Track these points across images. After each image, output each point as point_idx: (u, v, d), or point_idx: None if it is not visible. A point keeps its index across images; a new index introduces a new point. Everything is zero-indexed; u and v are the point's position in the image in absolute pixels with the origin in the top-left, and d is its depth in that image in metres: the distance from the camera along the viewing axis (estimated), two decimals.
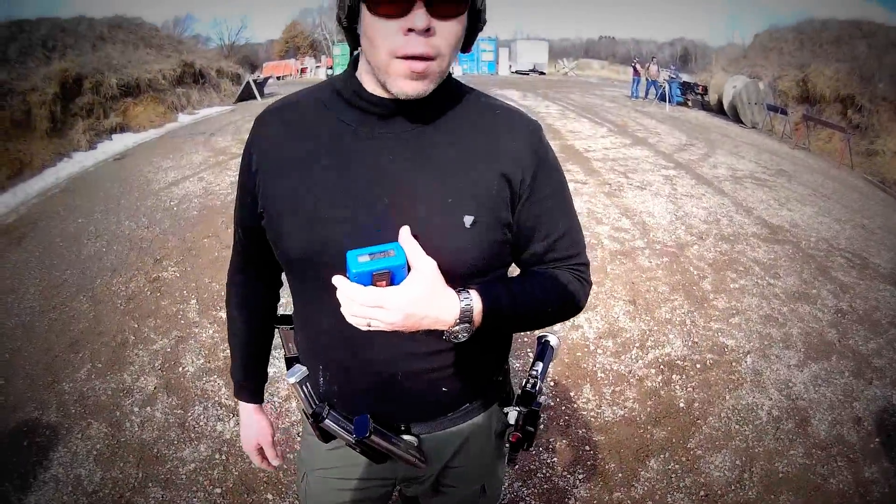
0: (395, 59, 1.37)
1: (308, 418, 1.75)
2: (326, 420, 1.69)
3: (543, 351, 1.98)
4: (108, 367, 5.48)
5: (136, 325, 6.18)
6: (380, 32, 1.37)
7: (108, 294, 6.93)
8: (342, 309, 1.37)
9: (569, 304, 1.69)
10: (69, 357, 5.70)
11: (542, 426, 4.64)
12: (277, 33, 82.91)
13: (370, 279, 1.33)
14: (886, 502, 4.17)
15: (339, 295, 1.36)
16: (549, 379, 5.25)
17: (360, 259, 1.33)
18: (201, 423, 4.73)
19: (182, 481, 4.18)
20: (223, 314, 5.84)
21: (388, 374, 1.62)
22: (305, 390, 1.73)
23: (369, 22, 1.39)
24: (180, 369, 5.44)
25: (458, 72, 48.19)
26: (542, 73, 53.67)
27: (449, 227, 1.49)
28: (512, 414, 1.83)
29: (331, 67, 50.39)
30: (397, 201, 1.50)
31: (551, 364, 1.97)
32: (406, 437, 1.73)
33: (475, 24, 1.52)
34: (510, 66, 53.79)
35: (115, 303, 6.70)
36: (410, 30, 1.33)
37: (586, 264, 1.76)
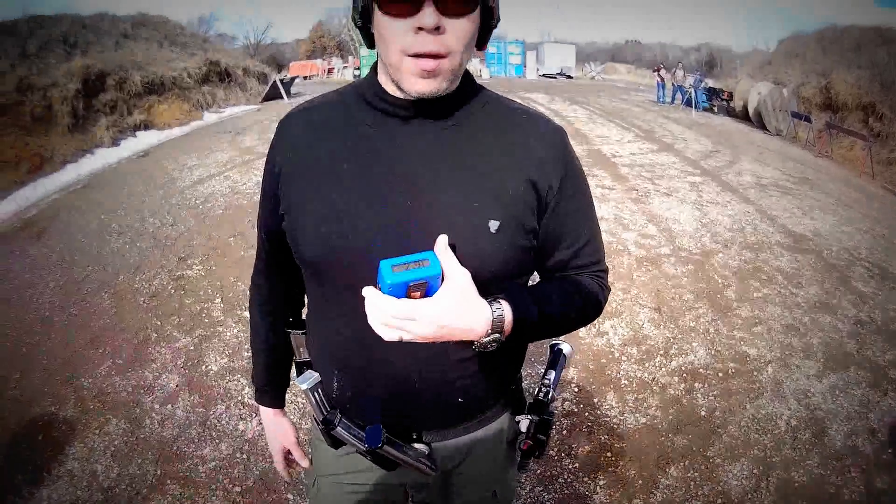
0: (407, 58, 1.39)
1: (318, 424, 1.76)
2: (338, 427, 1.69)
3: (556, 359, 1.97)
4: (129, 364, 5.51)
5: (158, 323, 6.19)
6: (391, 31, 1.40)
7: (130, 291, 6.95)
8: (370, 319, 1.34)
9: (592, 310, 1.69)
10: (89, 353, 5.73)
11: (554, 434, 4.63)
12: (304, 33, 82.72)
13: (405, 290, 1.31)
14: None
15: (368, 306, 1.34)
16: (573, 385, 5.26)
17: (395, 269, 1.29)
18: (223, 422, 4.74)
19: (202, 479, 4.20)
20: (248, 314, 5.91)
21: (404, 382, 1.61)
22: (317, 396, 1.74)
23: (381, 21, 1.41)
24: (203, 368, 5.45)
25: (485, 75, 48.10)
26: (569, 77, 53.28)
27: (474, 231, 1.48)
28: (523, 422, 1.82)
29: (358, 68, 49.72)
30: (420, 204, 1.50)
31: (564, 371, 1.96)
32: (417, 445, 1.71)
33: (488, 22, 1.52)
34: (537, 70, 53.39)
35: (138, 300, 6.71)
36: (420, 28, 1.34)
37: (606, 270, 1.77)
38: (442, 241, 1.39)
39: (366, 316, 1.38)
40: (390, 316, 1.31)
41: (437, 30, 1.36)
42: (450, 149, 1.54)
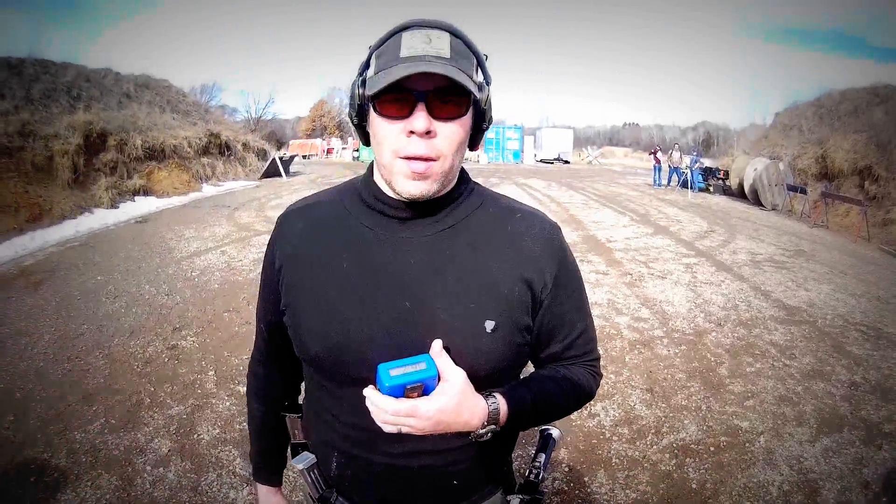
0: (398, 159, 1.45)
1: (315, 502, 1.78)
2: None
3: (546, 443, 1.98)
4: (121, 425, 5.49)
5: (152, 389, 6.19)
6: (384, 133, 1.46)
7: (124, 355, 6.96)
8: (373, 415, 1.40)
9: (583, 397, 1.74)
10: (82, 409, 5.74)
11: None
12: (305, 110, 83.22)
13: (402, 392, 1.36)
14: None
15: (369, 405, 1.39)
16: (563, 465, 5.24)
17: (392, 372, 1.35)
18: (214, 489, 4.71)
19: None
20: (241, 388, 5.87)
21: (403, 468, 1.63)
22: (313, 476, 1.78)
23: (375, 122, 1.49)
24: (195, 436, 5.42)
25: (483, 160, 48.37)
26: (566, 162, 53.92)
27: (471, 332, 1.52)
28: (514, 501, 1.84)
29: (357, 150, 50.63)
30: (418, 307, 1.53)
31: (554, 453, 1.98)
32: None
33: (480, 124, 1.58)
34: (535, 155, 54.02)
35: (132, 364, 6.73)
36: (412, 132, 1.40)
37: (598, 358, 1.81)
38: (437, 345, 1.44)
39: (366, 407, 1.43)
40: (390, 414, 1.37)
41: (428, 133, 1.42)
42: (446, 252, 1.58)
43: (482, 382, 1.51)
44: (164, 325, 7.95)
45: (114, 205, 16.89)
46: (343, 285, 1.57)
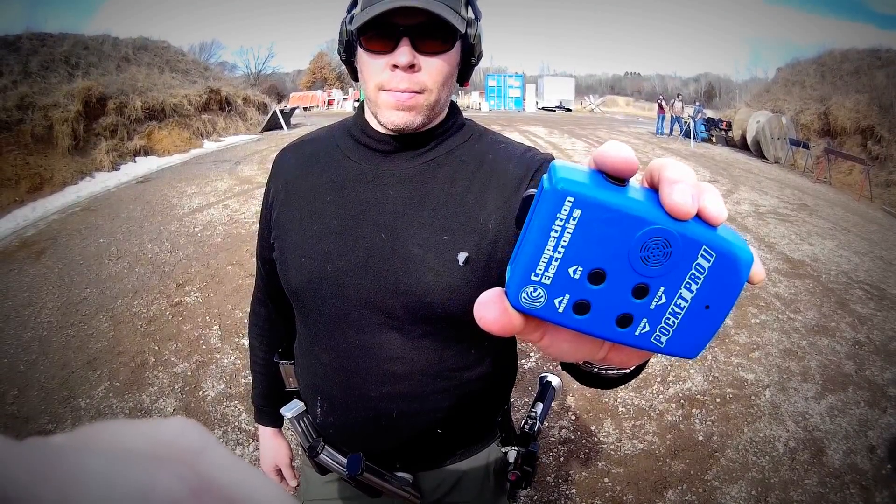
0: (383, 92, 1.47)
1: (304, 451, 1.78)
2: (321, 455, 1.71)
3: (544, 392, 1.98)
4: (126, 387, 5.49)
5: (156, 348, 6.19)
6: (369, 67, 1.49)
7: (128, 315, 6.95)
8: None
9: None
10: (86, 374, 5.72)
11: (551, 461, 4.64)
12: (304, 63, 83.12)
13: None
14: None
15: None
16: (570, 413, 5.25)
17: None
18: None
19: None
20: (245, 341, 5.83)
21: (383, 413, 1.62)
22: (302, 424, 1.78)
23: (361, 57, 1.52)
24: (200, 393, 5.44)
25: (485, 108, 48.13)
26: (568, 110, 53.51)
27: (442, 265, 1.49)
28: (511, 453, 1.83)
29: (358, 100, 49.65)
30: (392, 240, 1.52)
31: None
32: (401, 474, 1.72)
33: (469, 59, 1.58)
34: (537, 103, 53.65)
35: (136, 324, 6.72)
36: (395, 66, 1.41)
37: None
38: None
39: (344, 346, 1.50)
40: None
41: (412, 68, 1.44)
42: (426, 184, 1.56)
43: (458, 323, 1.51)
44: (167, 283, 7.93)
45: (115, 167, 16.74)
46: (325, 220, 1.59)
